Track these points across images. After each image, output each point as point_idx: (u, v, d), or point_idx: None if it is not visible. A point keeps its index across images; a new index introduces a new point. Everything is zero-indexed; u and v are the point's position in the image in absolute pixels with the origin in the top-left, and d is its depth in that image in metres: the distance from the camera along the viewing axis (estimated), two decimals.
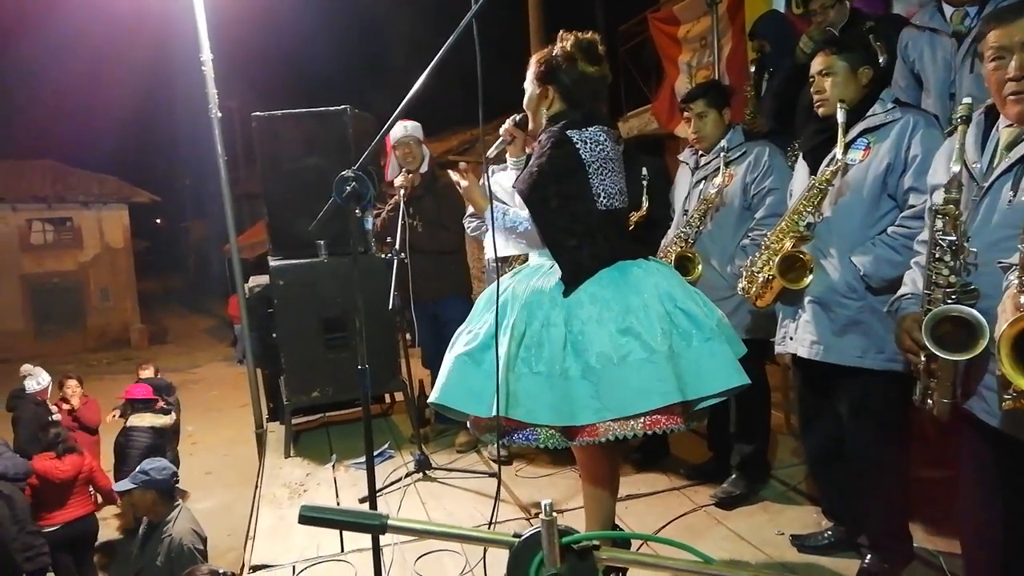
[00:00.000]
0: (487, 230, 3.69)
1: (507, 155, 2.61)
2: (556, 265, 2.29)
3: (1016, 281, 1.44)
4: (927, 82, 2.88)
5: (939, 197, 1.84)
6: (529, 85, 2.41)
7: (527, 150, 2.60)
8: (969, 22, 2.62)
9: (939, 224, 1.82)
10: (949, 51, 2.70)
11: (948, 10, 2.72)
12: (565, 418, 2.11)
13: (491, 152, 2.51)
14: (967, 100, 1.89)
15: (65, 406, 6.64)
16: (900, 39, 2.99)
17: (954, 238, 1.80)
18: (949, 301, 1.78)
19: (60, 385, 6.80)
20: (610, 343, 2.10)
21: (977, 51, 2.28)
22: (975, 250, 1.80)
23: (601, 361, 2.09)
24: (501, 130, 2.53)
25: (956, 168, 1.81)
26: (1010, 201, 1.73)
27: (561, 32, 2.34)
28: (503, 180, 2.68)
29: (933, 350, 1.74)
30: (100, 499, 6.05)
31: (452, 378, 2.30)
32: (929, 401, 1.89)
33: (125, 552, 4.33)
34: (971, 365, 1.82)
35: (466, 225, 3.92)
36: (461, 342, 2.35)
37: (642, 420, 2.11)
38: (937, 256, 1.82)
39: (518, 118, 2.51)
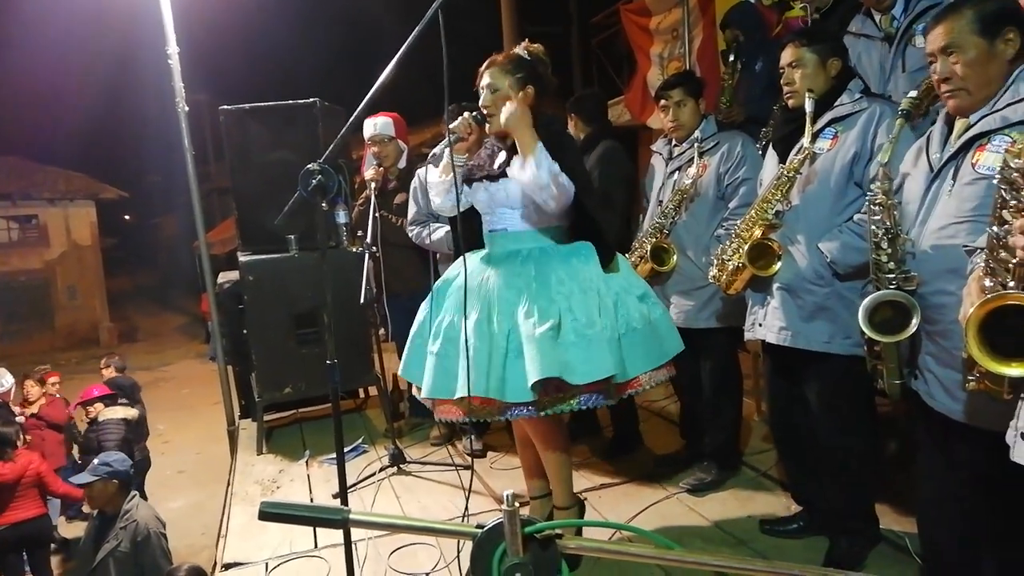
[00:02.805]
0: (428, 237, 3.72)
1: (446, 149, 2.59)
2: (542, 247, 2.48)
3: (982, 264, 1.47)
4: (869, 84, 2.93)
5: (873, 187, 1.96)
6: (507, 84, 2.45)
7: (471, 152, 2.62)
8: (896, 23, 2.66)
9: (876, 213, 1.92)
10: (883, 54, 2.75)
11: (878, 16, 2.77)
12: (622, 372, 2.35)
13: (444, 145, 2.49)
14: (912, 94, 1.96)
15: (28, 409, 6.51)
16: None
17: (889, 226, 1.90)
18: (891, 287, 1.87)
19: (22, 386, 6.66)
20: (639, 307, 2.47)
21: (907, 51, 2.54)
22: (912, 238, 1.90)
23: (641, 322, 2.44)
24: (455, 124, 2.48)
25: (883, 159, 1.92)
26: (949, 191, 1.79)
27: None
28: (432, 176, 2.67)
29: (868, 333, 1.88)
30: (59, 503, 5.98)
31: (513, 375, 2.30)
32: (880, 381, 1.97)
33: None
34: (914, 347, 1.92)
35: (410, 233, 3.86)
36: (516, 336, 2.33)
37: (664, 368, 2.52)
38: (876, 243, 1.92)
39: (477, 115, 2.50)
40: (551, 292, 2.37)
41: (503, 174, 2.48)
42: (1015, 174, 1.33)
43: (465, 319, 2.36)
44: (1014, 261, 1.33)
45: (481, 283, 2.46)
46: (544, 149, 2.30)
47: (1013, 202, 1.35)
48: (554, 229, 2.54)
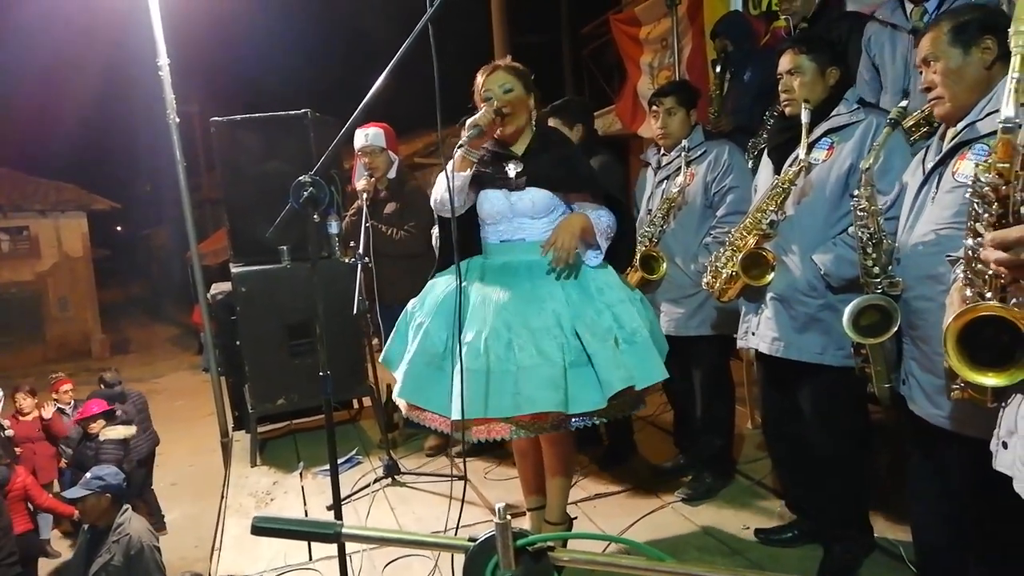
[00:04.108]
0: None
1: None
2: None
3: (962, 274, 1.49)
4: (885, 78, 2.89)
5: (856, 192, 2.00)
6: (521, 86, 2.47)
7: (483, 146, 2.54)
8: (928, 18, 2.61)
9: (861, 218, 1.95)
10: (907, 48, 2.73)
11: (910, 6, 2.72)
12: (657, 375, 2.39)
13: (467, 136, 2.41)
14: (902, 104, 1.99)
15: (23, 417, 6.44)
16: (865, 32, 3.00)
17: (874, 231, 1.93)
18: (877, 291, 1.92)
19: (12, 398, 6.57)
20: (644, 312, 2.51)
21: None
22: (897, 245, 1.94)
23: (648, 326, 2.45)
24: (480, 116, 2.38)
25: (864, 166, 1.95)
26: (932, 198, 1.82)
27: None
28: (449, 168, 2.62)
29: (850, 335, 1.92)
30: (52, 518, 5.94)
31: (576, 387, 2.27)
32: (871, 385, 2.02)
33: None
34: (901, 352, 1.96)
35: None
36: (548, 351, 2.27)
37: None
38: (863, 248, 1.95)
39: (497, 110, 2.43)
40: (595, 302, 2.38)
41: (527, 185, 2.46)
42: (985, 188, 1.36)
43: (510, 335, 2.29)
44: (989, 272, 1.35)
45: (511, 296, 2.36)
46: (589, 214, 2.45)
47: (985, 215, 1.37)
48: None
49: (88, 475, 4.01)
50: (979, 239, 1.38)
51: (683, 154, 3.09)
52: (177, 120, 4.62)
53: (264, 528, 0.91)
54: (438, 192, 2.54)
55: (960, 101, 1.78)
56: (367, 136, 4.02)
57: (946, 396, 1.61)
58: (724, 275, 2.57)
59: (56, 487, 6.54)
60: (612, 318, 2.35)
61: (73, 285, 20.90)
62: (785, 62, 2.45)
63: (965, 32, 1.76)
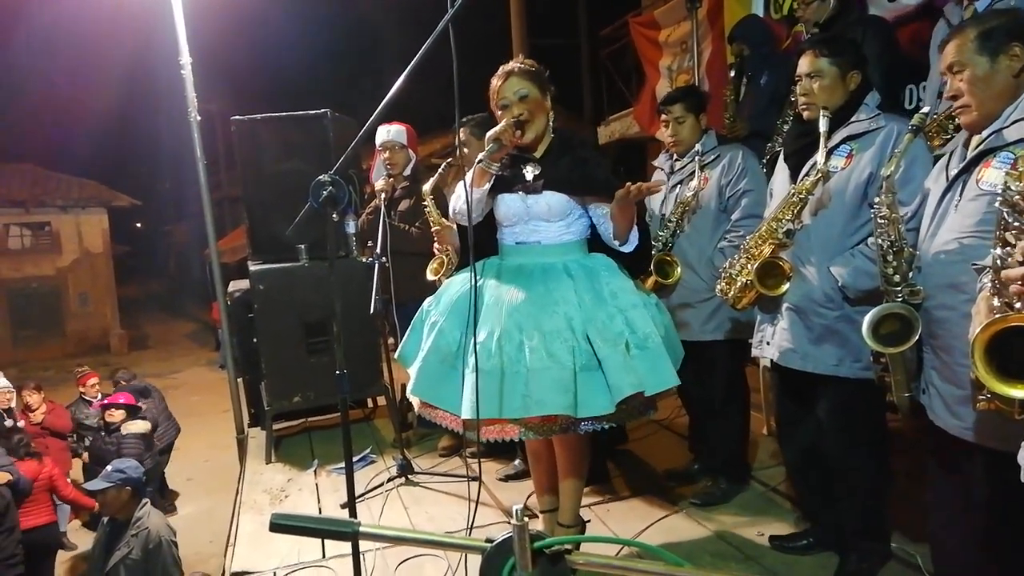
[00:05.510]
0: None
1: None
2: (580, 260, 2.50)
3: (989, 284, 1.47)
4: (931, 77, 2.86)
5: (877, 200, 1.97)
6: (537, 90, 2.45)
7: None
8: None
9: (882, 226, 1.93)
10: None
11: (965, 3, 2.66)
12: (669, 381, 2.38)
13: (487, 151, 2.39)
14: (925, 110, 1.96)
15: (31, 414, 6.47)
16: (935, 30, 2.97)
17: (895, 239, 1.90)
18: (897, 300, 1.89)
19: (19, 394, 6.52)
20: (659, 316, 2.52)
21: None
22: (918, 252, 1.92)
23: (663, 330, 2.45)
24: (500, 129, 2.36)
25: (885, 173, 1.93)
26: (956, 206, 1.79)
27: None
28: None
29: (869, 344, 1.90)
30: (71, 510, 5.99)
31: (585, 391, 2.26)
32: (890, 394, 1.99)
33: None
34: (922, 361, 1.94)
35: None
36: (561, 355, 2.26)
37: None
38: (883, 256, 1.94)
39: (515, 121, 2.41)
40: (607, 306, 2.36)
41: (543, 188, 2.45)
42: (1016, 196, 1.34)
43: (521, 337, 2.29)
44: (1019, 283, 1.33)
45: (524, 298, 2.36)
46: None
47: (1016, 224, 1.35)
48: (583, 241, 2.55)
49: (109, 468, 4.07)
50: (1008, 248, 1.37)
51: (696, 158, 3.08)
52: (198, 118, 4.66)
53: (282, 525, 0.91)
54: (456, 203, 2.56)
55: (987, 110, 1.76)
56: (389, 132, 4.07)
57: (972, 407, 1.59)
58: (739, 283, 2.54)
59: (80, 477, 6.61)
60: (624, 323, 2.34)
61: (93, 280, 21.15)
62: (804, 65, 2.40)
63: (992, 39, 1.73)
